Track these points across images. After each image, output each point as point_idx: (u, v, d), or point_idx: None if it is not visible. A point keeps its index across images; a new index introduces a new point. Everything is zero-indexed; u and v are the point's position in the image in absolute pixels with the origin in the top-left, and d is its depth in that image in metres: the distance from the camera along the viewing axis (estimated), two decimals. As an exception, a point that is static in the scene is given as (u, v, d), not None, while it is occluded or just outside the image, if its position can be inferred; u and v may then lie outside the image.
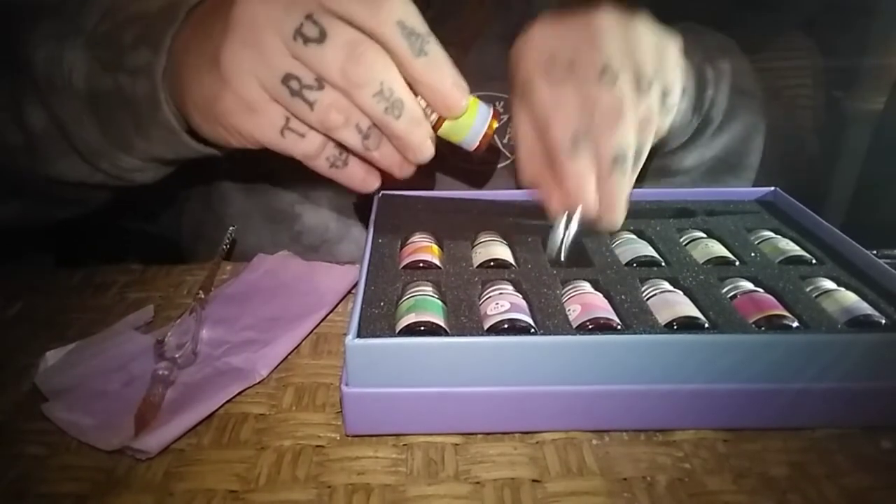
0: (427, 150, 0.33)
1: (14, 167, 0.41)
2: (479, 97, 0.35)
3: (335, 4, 0.29)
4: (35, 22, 0.38)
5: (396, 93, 0.31)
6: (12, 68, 0.39)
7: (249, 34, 0.30)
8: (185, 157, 0.40)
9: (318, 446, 0.33)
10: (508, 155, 0.58)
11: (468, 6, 0.55)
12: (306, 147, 0.32)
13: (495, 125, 0.35)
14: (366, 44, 0.30)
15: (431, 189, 0.47)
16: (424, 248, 0.41)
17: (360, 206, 0.58)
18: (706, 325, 0.35)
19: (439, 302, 0.36)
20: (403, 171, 0.35)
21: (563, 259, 0.37)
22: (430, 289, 0.37)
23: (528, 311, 0.35)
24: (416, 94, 0.32)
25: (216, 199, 0.58)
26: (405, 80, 0.31)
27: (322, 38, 0.29)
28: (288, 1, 0.30)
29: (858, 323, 0.35)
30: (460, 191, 0.49)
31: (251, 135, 0.32)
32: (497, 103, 0.57)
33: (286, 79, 0.30)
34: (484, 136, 0.35)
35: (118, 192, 0.46)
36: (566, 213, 0.36)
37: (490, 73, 0.53)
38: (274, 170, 0.56)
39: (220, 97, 0.31)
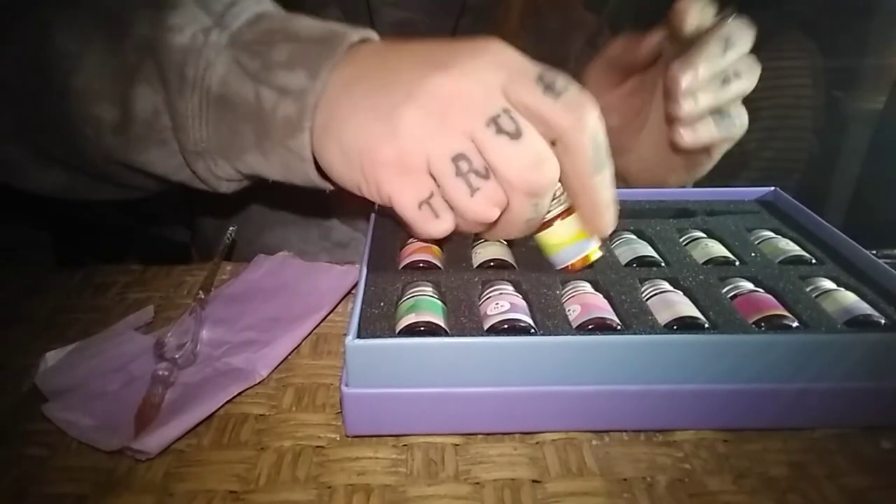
0: (514, 237, 0.36)
1: (95, 141, 0.37)
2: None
3: (536, 104, 0.30)
4: (174, 2, 0.35)
5: (545, 203, 0.33)
6: (129, 38, 0.35)
7: (439, 109, 0.30)
8: (289, 182, 0.38)
9: (318, 447, 0.33)
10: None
11: (502, 19, 0.57)
12: (435, 227, 0.33)
13: (594, 257, 0.38)
14: (552, 158, 0.31)
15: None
16: (424, 248, 0.41)
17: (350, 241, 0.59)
18: (706, 326, 0.35)
19: (439, 302, 0.36)
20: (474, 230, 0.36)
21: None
22: (430, 289, 0.37)
23: (527, 311, 0.35)
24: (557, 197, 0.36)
25: (245, 192, 0.57)
26: (569, 188, 0.34)
27: (517, 135, 0.30)
28: (488, 90, 0.30)
29: (858, 323, 0.35)
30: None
31: (388, 194, 0.32)
32: None
33: (458, 158, 0.30)
34: (581, 260, 0.38)
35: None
36: None
37: None
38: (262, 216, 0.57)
39: (381, 149, 0.31)
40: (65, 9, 0.36)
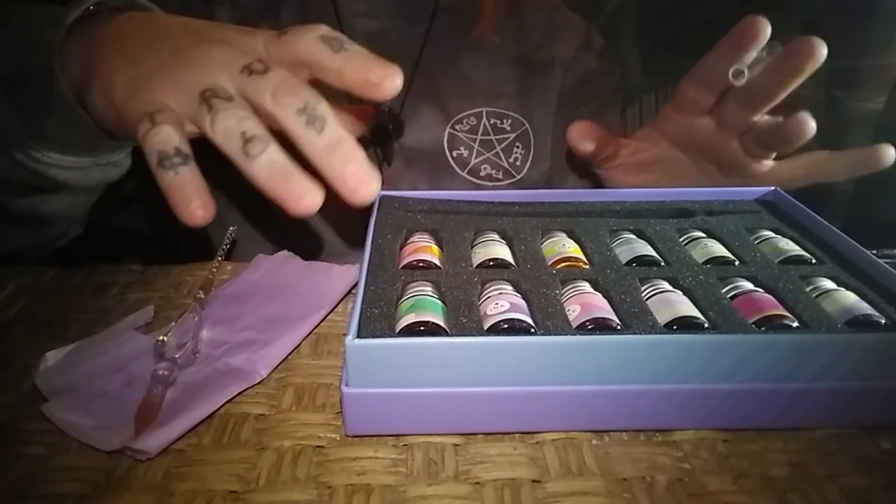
0: (368, 184, 0.28)
1: None
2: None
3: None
4: None
5: (320, 109, 0.29)
6: None
7: (201, 63, 0.31)
8: (94, 143, 0.40)
9: (318, 446, 0.33)
10: (514, 174, 0.61)
11: (476, 18, 0.61)
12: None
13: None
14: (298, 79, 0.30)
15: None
16: (424, 248, 0.41)
17: (350, 242, 0.60)
18: (706, 325, 0.35)
19: (439, 302, 0.36)
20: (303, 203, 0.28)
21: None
22: (430, 289, 0.37)
23: (527, 310, 0.35)
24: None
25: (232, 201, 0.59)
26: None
27: (265, 71, 0.30)
28: (240, 50, 0.31)
29: (858, 323, 0.35)
30: (460, 191, 0.49)
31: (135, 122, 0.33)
32: (504, 120, 0.60)
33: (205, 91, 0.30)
34: None
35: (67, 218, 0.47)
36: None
37: (501, 92, 0.58)
38: (261, 217, 0.58)
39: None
40: None
